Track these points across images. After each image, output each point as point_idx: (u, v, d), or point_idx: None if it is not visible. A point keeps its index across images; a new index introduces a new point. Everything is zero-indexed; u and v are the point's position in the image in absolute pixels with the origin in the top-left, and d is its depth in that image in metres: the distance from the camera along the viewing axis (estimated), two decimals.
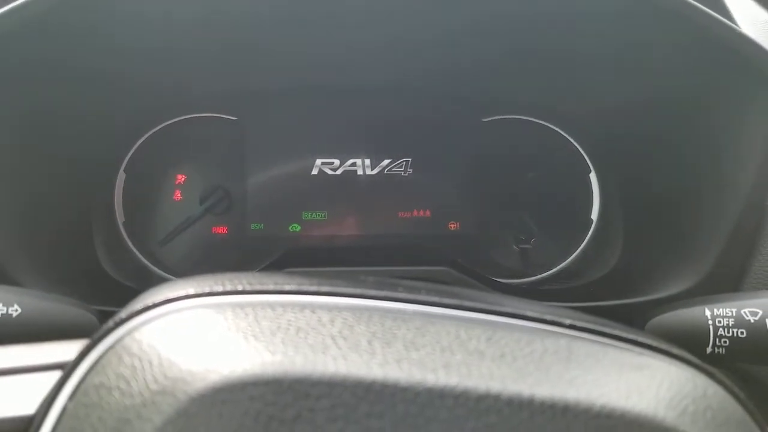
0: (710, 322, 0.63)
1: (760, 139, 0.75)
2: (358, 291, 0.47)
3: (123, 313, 0.42)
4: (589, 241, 1.14)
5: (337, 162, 1.14)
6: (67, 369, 0.40)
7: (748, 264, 0.77)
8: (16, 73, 0.78)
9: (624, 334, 0.47)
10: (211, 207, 1.11)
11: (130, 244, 1.09)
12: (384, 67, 1.04)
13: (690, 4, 0.70)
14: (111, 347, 0.40)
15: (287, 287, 0.45)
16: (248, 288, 0.44)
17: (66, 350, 0.44)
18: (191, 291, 0.44)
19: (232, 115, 1.13)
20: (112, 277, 1.02)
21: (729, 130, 0.79)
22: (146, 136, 1.11)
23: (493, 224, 1.16)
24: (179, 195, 1.12)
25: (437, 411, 0.35)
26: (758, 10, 0.88)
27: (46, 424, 0.38)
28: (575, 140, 1.16)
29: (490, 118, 1.16)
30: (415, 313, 0.45)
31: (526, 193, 1.16)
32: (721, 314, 0.63)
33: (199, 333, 0.39)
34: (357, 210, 1.15)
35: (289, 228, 1.14)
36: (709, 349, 0.63)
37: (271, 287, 0.45)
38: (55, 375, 0.41)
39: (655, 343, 0.46)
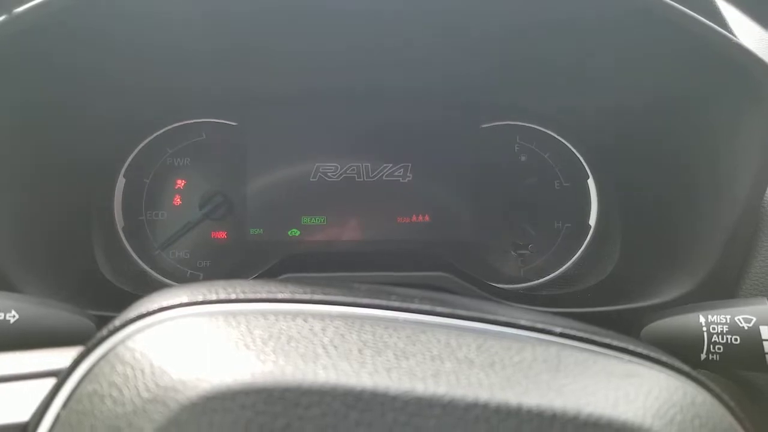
0: (704, 328, 0.64)
1: (756, 146, 0.75)
2: (351, 299, 0.47)
3: (117, 321, 0.43)
4: (586, 246, 1.15)
5: (336, 167, 1.15)
6: (61, 377, 0.41)
7: (744, 271, 0.77)
8: (16, 75, 0.78)
9: (614, 342, 0.47)
10: (210, 212, 1.12)
11: (129, 249, 1.10)
12: (384, 73, 1.05)
13: (687, 15, 0.71)
14: (104, 355, 0.40)
15: (280, 295, 0.46)
16: (241, 296, 0.45)
17: (61, 357, 0.45)
18: (185, 299, 0.44)
19: (232, 120, 1.13)
20: (111, 282, 1.02)
21: (725, 137, 0.80)
22: (146, 140, 1.11)
23: (492, 230, 1.16)
24: (179, 200, 1.13)
25: (426, 420, 0.36)
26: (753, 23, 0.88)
27: (39, 431, 0.39)
28: (573, 146, 1.16)
29: (489, 125, 1.17)
30: (406, 322, 0.46)
31: (524, 199, 1.16)
32: (716, 321, 0.64)
33: (191, 342, 0.40)
34: (356, 215, 1.15)
35: (289, 233, 1.14)
36: (703, 356, 0.63)
37: (263, 295, 0.45)
38: (50, 382, 0.42)
39: (645, 351, 0.46)
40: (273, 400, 0.35)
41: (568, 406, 0.37)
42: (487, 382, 0.38)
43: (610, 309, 0.88)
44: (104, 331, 0.42)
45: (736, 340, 0.62)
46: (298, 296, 0.46)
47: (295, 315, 0.44)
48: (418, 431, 0.35)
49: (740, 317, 0.63)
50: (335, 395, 0.36)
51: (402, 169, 1.16)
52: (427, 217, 1.16)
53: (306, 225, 1.15)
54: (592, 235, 1.14)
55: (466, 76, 1.05)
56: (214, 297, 0.45)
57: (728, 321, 0.63)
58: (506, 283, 1.14)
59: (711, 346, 0.63)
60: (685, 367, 0.46)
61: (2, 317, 0.59)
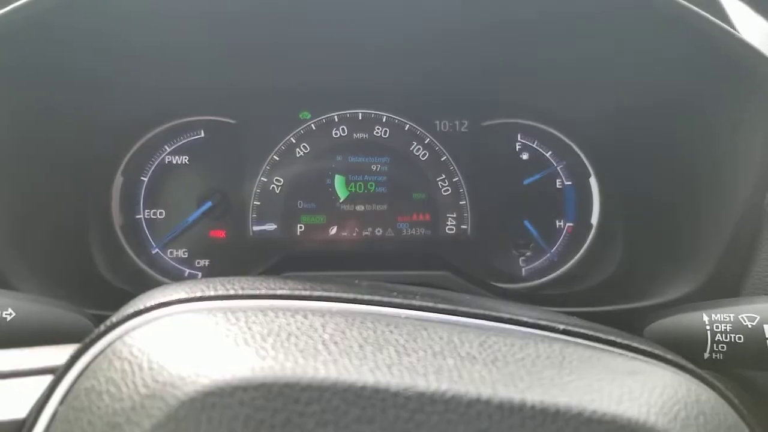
0: (708, 327, 0.63)
1: (759, 143, 0.74)
2: (352, 296, 0.46)
3: (114, 318, 0.42)
4: (588, 246, 1.14)
5: (336, 165, 1.14)
6: (58, 373, 0.40)
7: (747, 269, 0.77)
8: (13, 74, 0.78)
9: (618, 339, 0.46)
10: (209, 210, 1.11)
11: (127, 247, 1.09)
12: (384, 69, 1.04)
13: (690, 10, 0.70)
14: (102, 351, 0.40)
15: (279, 291, 0.45)
16: (240, 292, 0.44)
17: (58, 354, 0.44)
18: (183, 295, 0.43)
19: (230, 118, 1.13)
20: (109, 280, 1.01)
21: (728, 135, 0.79)
22: (144, 139, 1.11)
23: (493, 229, 1.16)
24: (177, 198, 1.12)
25: (428, 416, 0.35)
26: (757, 17, 0.88)
27: (36, 428, 0.38)
28: (575, 144, 1.15)
29: (490, 122, 1.16)
30: (408, 318, 0.45)
31: (526, 198, 1.15)
32: (719, 319, 0.63)
33: (190, 337, 0.39)
34: (356, 214, 1.15)
35: (288, 232, 1.14)
36: (706, 355, 0.63)
37: (263, 291, 0.45)
38: (47, 379, 0.41)
39: (648, 349, 0.46)
40: (272, 396, 0.34)
41: (572, 402, 0.36)
42: (489, 378, 0.38)
43: (612, 309, 0.88)
44: (101, 328, 0.42)
45: (739, 338, 0.61)
46: (297, 292, 0.46)
47: (295, 311, 0.43)
48: (419, 427, 0.35)
49: (744, 316, 0.62)
50: (335, 391, 0.35)
51: (402, 168, 1.15)
52: (428, 216, 1.15)
53: (306, 224, 1.14)
54: (594, 235, 1.14)
55: (468, 74, 1.05)
56: (212, 293, 0.44)
57: (732, 320, 0.62)
58: (508, 283, 1.13)
59: (714, 345, 0.62)
60: (690, 365, 0.46)
61: None
